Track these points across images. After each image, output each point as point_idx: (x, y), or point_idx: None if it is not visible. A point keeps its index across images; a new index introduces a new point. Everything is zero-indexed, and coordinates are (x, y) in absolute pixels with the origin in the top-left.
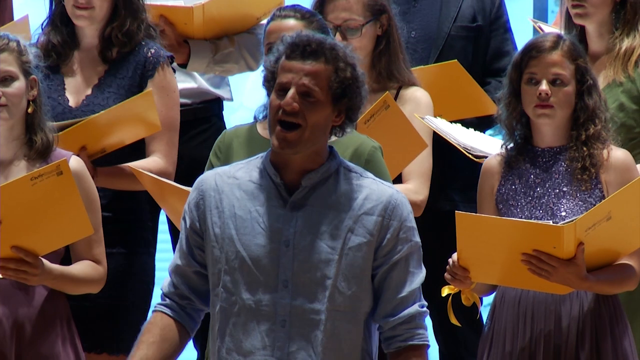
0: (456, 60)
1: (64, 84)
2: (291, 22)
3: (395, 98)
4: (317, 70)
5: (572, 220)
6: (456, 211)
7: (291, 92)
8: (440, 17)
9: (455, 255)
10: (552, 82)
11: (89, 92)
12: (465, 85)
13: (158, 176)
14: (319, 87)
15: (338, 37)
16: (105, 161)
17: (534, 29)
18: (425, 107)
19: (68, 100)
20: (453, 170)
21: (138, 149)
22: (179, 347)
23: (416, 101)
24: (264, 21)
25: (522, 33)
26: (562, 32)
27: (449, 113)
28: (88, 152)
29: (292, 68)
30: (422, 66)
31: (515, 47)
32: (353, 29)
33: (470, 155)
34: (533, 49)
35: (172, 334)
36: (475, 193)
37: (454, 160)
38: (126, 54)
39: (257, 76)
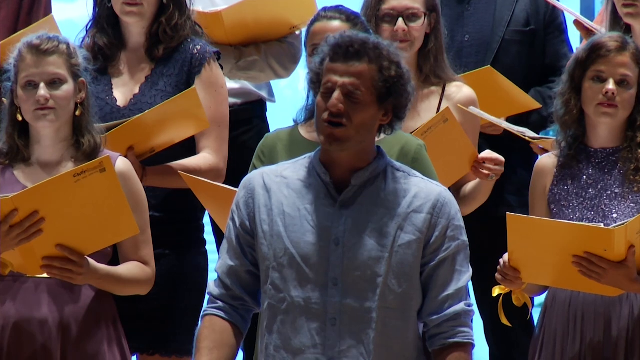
0: (489, 66)
1: (112, 85)
2: (336, 23)
3: (442, 95)
4: (361, 71)
5: (623, 224)
6: (507, 213)
7: (336, 94)
8: (494, 21)
9: (506, 256)
10: (618, 83)
11: (136, 91)
12: (504, 87)
13: (205, 178)
14: (364, 87)
15: (400, 22)
16: (156, 160)
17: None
18: (475, 102)
19: (116, 100)
20: (508, 173)
21: (189, 147)
22: (237, 349)
23: (470, 99)
24: (298, 32)
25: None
26: (606, 31)
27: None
28: (136, 152)
29: (336, 70)
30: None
31: (571, 48)
32: (416, 16)
33: (526, 137)
34: (602, 48)
35: (229, 337)
36: None
37: (509, 163)
38: (172, 51)
39: None
